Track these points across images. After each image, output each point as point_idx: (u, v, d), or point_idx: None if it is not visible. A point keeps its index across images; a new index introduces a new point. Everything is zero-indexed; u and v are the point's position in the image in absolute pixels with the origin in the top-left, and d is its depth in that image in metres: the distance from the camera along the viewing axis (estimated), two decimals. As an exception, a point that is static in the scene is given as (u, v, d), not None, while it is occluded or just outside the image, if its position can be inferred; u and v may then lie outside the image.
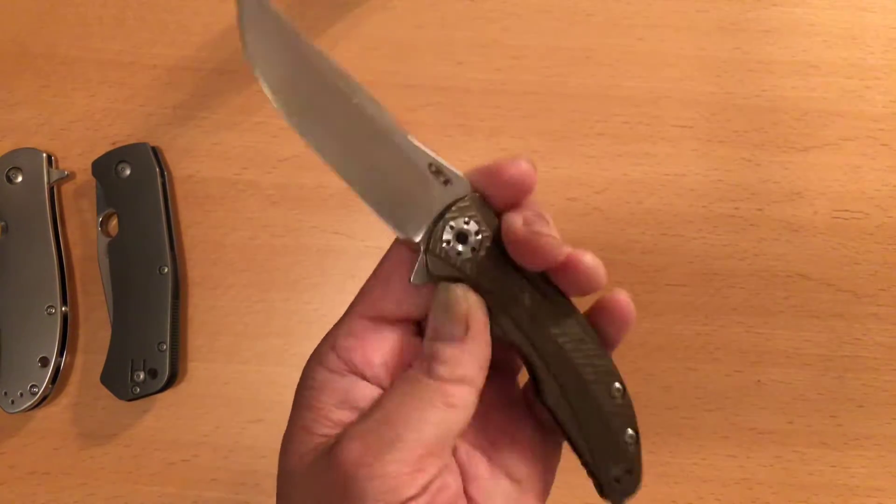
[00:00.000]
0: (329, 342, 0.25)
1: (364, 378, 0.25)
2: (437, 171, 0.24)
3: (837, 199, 0.45)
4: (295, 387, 0.25)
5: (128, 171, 0.45)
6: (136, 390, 0.43)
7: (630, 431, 0.25)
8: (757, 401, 0.43)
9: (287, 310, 0.45)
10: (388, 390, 0.24)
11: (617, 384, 0.25)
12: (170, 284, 0.44)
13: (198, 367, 0.44)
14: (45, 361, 0.43)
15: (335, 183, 0.45)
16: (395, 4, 0.47)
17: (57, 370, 0.44)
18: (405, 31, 0.47)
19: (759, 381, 0.43)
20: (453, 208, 0.24)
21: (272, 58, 0.24)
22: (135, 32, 0.47)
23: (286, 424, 0.25)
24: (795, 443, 0.43)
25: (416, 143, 0.25)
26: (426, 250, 0.24)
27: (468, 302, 0.24)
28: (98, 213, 0.45)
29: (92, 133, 0.46)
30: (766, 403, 0.43)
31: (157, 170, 0.45)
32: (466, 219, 0.24)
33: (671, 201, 0.45)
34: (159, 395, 0.44)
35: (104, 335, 0.44)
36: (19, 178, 0.45)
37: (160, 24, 0.47)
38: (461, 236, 0.24)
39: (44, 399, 0.44)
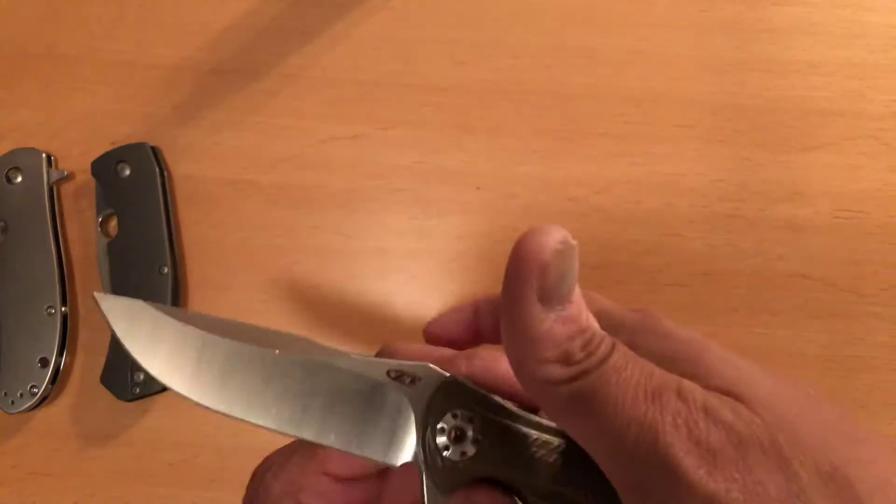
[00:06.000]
0: (284, 482, 0.23)
1: None
2: (399, 374, 0.22)
3: (839, 198, 0.45)
4: None
5: (127, 171, 0.45)
6: (136, 391, 0.43)
7: None
8: (758, 401, 0.43)
9: (287, 310, 0.45)
10: None
11: None
12: (169, 285, 0.44)
13: (198, 367, 0.44)
14: (44, 362, 0.43)
15: (335, 183, 0.45)
16: (395, 4, 0.47)
17: (57, 371, 0.44)
18: (405, 31, 0.47)
19: (760, 381, 0.43)
20: (432, 408, 0.21)
21: (176, 363, 0.22)
22: (134, 32, 0.47)
23: None
24: (796, 443, 0.43)
25: (363, 357, 0.22)
26: (427, 469, 0.21)
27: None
28: (98, 213, 0.45)
29: (91, 133, 0.46)
30: (767, 404, 0.43)
31: (157, 170, 0.45)
32: (453, 413, 0.21)
33: (672, 201, 0.45)
34: (160, 396, 0.44)
35: (104, 335, 0.44)
36: (19, 178, 0.45)
37: (159, 24, 0.47)
38: (458, 436, 0.21)
39: (44, 399, 0.44)
